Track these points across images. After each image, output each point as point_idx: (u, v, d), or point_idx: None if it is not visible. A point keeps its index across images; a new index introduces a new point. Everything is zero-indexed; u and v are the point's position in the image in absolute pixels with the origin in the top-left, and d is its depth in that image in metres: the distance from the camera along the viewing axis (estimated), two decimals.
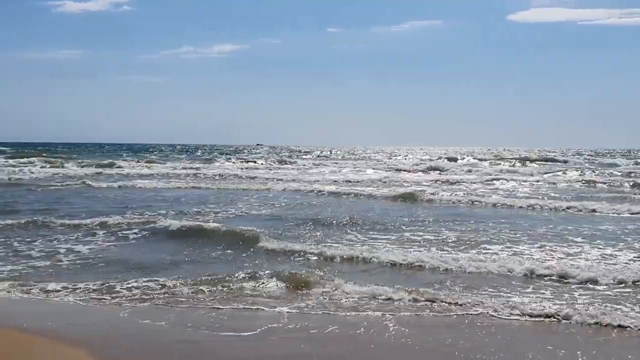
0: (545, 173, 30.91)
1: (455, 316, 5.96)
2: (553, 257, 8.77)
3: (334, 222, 12.41)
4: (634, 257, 8.89)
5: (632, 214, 14.15)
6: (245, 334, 5.40)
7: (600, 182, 24.35)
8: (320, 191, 20.03)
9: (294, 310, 6.13)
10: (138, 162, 38.81)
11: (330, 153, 66.11)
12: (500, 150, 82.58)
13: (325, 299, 6.59)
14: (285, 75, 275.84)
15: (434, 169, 33.53)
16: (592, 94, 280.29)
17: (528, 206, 15.70)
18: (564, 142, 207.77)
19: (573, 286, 7.17)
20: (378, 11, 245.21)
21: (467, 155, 55.69)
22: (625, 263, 8.44)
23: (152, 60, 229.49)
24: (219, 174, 29.29)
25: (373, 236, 10.78)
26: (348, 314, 6.04)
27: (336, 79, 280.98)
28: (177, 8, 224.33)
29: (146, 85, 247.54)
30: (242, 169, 33.64)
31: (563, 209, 15.16)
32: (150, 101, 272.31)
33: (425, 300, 6.45)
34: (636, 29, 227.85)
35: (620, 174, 30.79)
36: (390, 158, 53.92)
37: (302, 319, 5.85)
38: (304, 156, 58.14)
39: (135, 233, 10.96)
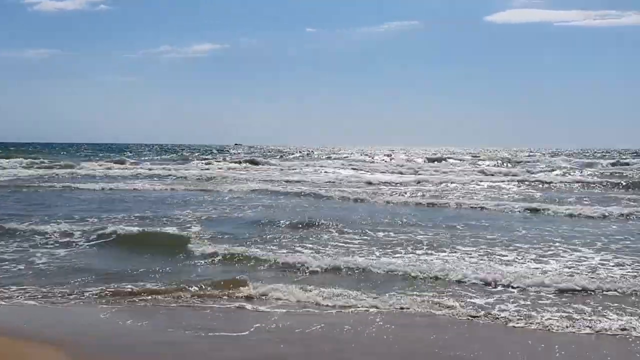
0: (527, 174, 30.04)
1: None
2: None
3: (276, 224, 12.25)
4: (567, 263, 8.68)
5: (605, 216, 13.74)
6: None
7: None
8: (273, 191, 19.84)
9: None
10: (102, 163, 38.09)
11: (309, 154, 65.33)
12: (483, 150, 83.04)
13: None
14: (265, 75, 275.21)
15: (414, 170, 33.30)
16: (569, 94, 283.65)
17: (482, 208, 15.58)
18: (542, 142, 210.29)
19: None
20: (356, 12, 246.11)
21: (451, 155, 55.78)
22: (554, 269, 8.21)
23: (130, 59, 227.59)
24: (182, 176, 28.87)
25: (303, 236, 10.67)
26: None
27: (316, 78, 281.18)
28: (155, 7, 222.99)
29: (124, 85, 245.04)
30: (203, 169, 33.16)
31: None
32: (129, 100, 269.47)
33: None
34: (610, 30, 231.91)
35: (592, 173, 30.74)
36: (372, 158, 53.58)
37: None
38: (283, 156, 57.96)
39: (83, 240, 10.27)
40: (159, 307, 6.40)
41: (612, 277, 7.69)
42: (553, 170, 32.22)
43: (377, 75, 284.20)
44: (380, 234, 11.01)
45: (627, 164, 38.45)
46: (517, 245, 10.00)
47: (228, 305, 6.45)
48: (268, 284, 7.12)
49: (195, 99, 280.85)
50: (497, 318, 6.03)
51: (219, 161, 43.12)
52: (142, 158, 50.86)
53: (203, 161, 43.14)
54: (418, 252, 9.40)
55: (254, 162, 39.37)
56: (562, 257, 9.06)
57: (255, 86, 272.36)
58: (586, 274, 7.79)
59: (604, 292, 6.91)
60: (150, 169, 32.49)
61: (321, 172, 32.27)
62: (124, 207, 15.23)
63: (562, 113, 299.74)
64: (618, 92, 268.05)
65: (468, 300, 6.67)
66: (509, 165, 40.87)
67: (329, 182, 25.05)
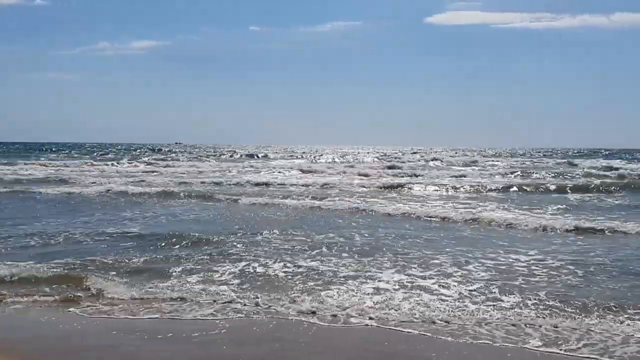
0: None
1: None
2: None
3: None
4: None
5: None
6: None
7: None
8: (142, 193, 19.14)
9: None
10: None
11: (255, 156, 63.44)
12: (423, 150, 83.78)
13: None
14: (208, 73, 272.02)
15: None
16: (506, 96, 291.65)
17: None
18: (482, 142, 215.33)
19: None
20: (300, 11, 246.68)
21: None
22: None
23: (67, 56, 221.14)
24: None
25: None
26: None
27: (260, 76, 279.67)
28: (92, 3, 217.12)
29: (62, 83, 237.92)
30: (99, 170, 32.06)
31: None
32: (67, 99, 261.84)
33: None
34: (546, 32, 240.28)
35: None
36: (314, 157, 52.95)
37: None
38: (225, 156, 57.02)
39: None
40: None
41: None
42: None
43: (322, 74, 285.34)
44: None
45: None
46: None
47: None
48: None
49: (135, 97, 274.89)
50: None
51: (131, 161, 41.72)
52: (63, 157, 49.28)
53: (110, 161, 41.80)
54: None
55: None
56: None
57: (198, 84, 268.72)
58: None
59: None
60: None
61: (229, 172, 31.41)
62: None
63: (498, 112, 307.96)
64: (554, 91, 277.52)
65: None
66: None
67: (213, 182, 23.99)
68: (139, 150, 73.18)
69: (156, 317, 5.87)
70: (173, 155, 58.14)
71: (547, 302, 6.28)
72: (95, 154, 60.35)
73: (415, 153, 70.88)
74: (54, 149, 73.89)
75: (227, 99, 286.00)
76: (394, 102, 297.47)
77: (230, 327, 5.55)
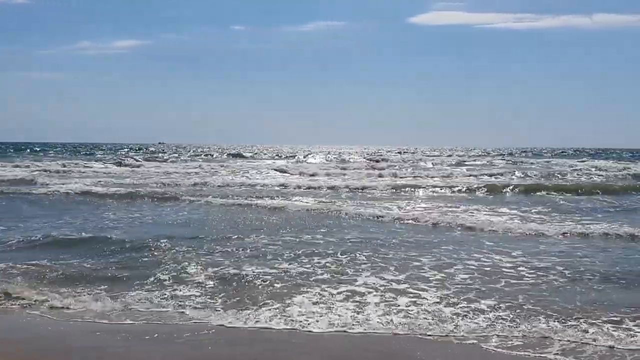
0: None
1: None
2: None
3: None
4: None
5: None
6: None
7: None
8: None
9: None
10: None
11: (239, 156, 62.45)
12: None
13: None
14: (192, 73, 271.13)
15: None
16: (490, 95, 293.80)
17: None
18: (463, 141, 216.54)
19: None
20: (283, 11, 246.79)
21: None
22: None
23: (48, 55, 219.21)
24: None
25: None
26: None
27: (243, 76, 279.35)
28: (74, 2, 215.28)
29: (44, 82, 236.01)
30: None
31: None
32: (49, 98, 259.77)
33: None
34: (528, 32, 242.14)
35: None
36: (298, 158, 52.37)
37: None
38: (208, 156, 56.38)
39: None
40: None
41: None
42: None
43: (304, 74, 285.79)
44: None
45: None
46: None
47: None
48: None
49: (119, 96, 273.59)
50: None
51: (106, 162, 40.89)
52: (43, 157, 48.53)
53: (82, 161, 41.00)
54: None
55: (120, 164, 37.22)
56: None
57: (182, 84, 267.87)
58: None
59: None
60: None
61: (195, 174, 30.77)
62: None
63: (482, 111, 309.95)
64: (536, 91, 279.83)
65: None
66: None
67: (163, 183, 23.30)
68: (122, 151, 72.42)
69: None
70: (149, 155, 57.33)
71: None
72: (66, 153, 59.49)
73: (401, 153, 70.83)
74: (37, 149, 72.85)
75: (212, 98, 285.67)
76: (379, 101, 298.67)
77: None
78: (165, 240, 9.59)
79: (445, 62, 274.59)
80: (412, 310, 5.96)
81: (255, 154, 66.83)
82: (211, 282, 7.09)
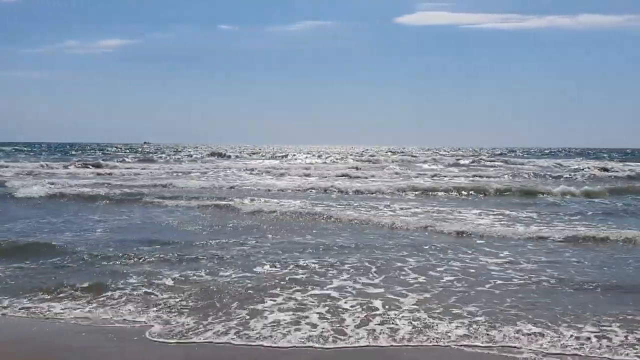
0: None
1: None
2: None
3: None
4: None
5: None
6: None
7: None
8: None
9: None
10: None
11: (223, 154, 60.98)
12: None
13: None
14: (179, 72, 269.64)
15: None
16: (475, 94, 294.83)
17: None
18: (450, 141, 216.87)
19: None
20: (270, 10, 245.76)
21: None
22: None
23: (33, 54, 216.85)
24: None
25: None
26: None
27: (230, 75, 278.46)
28: (60, 1, 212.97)
29: (30, 81, 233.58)
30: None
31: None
32: (34, 98, 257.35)
33: None
34: (513, 32, 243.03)
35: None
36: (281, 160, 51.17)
37: None
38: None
39: None
40: None
41: None
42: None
43: (293, 74, 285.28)
44: None
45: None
46: None
47: None
48: None
49: (105, 96, 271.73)
50: None
51: (79, 164, 39.24)
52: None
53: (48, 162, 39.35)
54: None
55: (98, 165, 35.80)
56: None
57: (168, 83, 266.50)
58: None
59: None
60: None
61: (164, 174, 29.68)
62: None
63: (472, 110, 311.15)
64: (522, 89, 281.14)
65: None
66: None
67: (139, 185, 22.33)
68: (109, 151, 71.15)
69: None
70: (125, 154, 55.94)
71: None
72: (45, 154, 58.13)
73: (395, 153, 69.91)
74: (15, 149, 71.55)
75: (199, 97, 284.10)
76: (365, 101, 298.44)
77: None
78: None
79: (432, 62, 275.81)
80: (389, 317, 5.50)
81: (240, 153, 65.69)
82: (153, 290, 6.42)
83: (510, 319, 5.49)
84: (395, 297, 6.20)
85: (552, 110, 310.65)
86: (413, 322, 5.38)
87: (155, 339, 5.01)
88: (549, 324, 5.34)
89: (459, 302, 6.04)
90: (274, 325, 5.29)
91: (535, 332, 5.12)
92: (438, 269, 7.62)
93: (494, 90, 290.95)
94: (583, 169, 32.69)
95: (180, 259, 8.06)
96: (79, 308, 5.85)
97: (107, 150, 71.81)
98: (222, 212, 13.77)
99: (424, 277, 7.13)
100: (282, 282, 6.84)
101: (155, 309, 5.82)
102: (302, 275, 7.18)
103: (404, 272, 7.39)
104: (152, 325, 5.33)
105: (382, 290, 6.53)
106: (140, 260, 7.98)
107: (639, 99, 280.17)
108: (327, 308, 5.81)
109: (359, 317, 5.54)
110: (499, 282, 6.94)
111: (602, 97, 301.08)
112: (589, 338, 5.01)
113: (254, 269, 7.51)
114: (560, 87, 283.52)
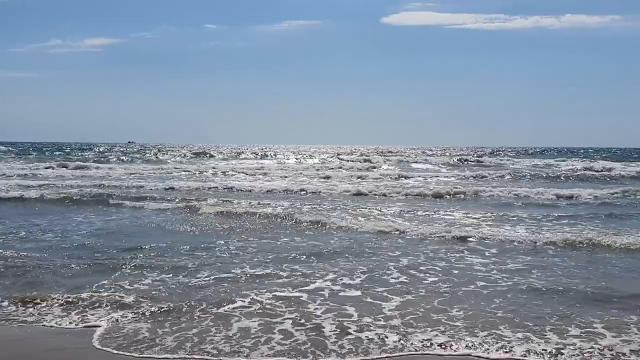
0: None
1: None
2: None
3: None
4: None
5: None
6: None
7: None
8: None
9: None
10: None
11: (203, 154, 59.89)
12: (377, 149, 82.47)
13: None
14: (165, 72, 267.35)
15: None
16: (460, 94, 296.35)
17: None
18: (437, 141, 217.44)
19: None
20: (256, 9, 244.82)
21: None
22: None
23: (17, 54, 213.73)
24: None
25: None
26: None
27: (217, 75, 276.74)
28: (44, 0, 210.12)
29: (14, 81, 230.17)
30: None
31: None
32: (19, 97, 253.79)
33: None
34: (499, 32, 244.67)
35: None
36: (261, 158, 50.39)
37: None
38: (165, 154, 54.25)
39: None
40: None
41: None
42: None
43: (280, 73, 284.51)
44: None
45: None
46: None
47: None
48: None
49: (89, 95, 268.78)
50: None
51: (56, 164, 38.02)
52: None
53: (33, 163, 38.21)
54: None
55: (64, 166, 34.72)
56: None
57: (154, 83, 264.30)
58: None
59: None
60: None
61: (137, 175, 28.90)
62: None
63: (452, 110, 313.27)
64: (507, 89, 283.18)
65: None
66: None
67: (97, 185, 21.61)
68: (90, 151, 69.99)
69: None
70: (105, 155, 54.47)
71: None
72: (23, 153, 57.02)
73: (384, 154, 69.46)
74: None
75: (185, 97, 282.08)
76: (354, 100, 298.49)
77: None
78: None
79: (418, 61, 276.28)
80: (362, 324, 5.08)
81: (222, 154, 64.86)
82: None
83: (494, 323, 5.08)
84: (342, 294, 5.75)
85: (537, 110, 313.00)
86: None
87: (101, 348, 4.51)
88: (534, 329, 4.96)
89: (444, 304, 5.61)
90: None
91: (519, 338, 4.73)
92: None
93: (480, 90, 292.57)
94: (574, 169, 32.19)
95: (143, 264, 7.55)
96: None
97: (90, 150, 70.61)
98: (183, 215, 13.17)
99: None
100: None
101: (108, 313, 5.32)
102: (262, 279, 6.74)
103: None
104: (102, 330, 4.84)
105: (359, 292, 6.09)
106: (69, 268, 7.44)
107: (623, 98, 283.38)
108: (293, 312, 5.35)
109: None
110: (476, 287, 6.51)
111: (587, 96, 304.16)
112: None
113: None
114: (545, 87, 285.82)
